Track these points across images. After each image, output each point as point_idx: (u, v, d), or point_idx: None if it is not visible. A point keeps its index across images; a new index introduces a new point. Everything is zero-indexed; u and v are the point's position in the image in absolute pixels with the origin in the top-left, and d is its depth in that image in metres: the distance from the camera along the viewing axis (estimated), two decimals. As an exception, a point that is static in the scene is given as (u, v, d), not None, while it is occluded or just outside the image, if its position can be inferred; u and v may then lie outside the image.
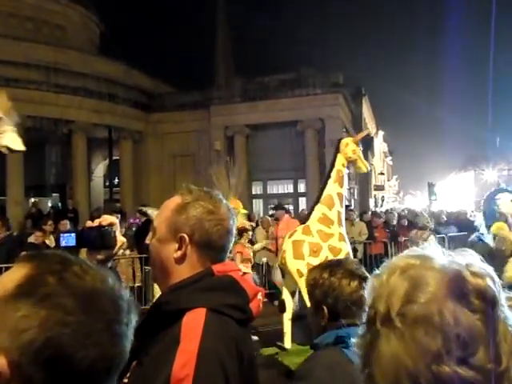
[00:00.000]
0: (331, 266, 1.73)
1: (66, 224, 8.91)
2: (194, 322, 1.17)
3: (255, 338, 5.83)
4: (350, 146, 6.10)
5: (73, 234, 1.54)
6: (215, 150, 17.39)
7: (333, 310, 1.65)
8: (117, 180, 19.21)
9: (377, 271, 0.70)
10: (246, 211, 8.49)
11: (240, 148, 17.74)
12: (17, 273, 0.71)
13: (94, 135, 17.39)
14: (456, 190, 43.60)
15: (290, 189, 18.51)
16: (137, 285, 8.35)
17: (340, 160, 6.12)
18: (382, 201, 29.69)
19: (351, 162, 6.21)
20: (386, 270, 0.69)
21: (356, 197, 21.79)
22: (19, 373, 0.64)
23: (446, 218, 12.55)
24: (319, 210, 6.14)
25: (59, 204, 18.37)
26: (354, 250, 9.27)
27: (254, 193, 18.42)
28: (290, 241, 6.17)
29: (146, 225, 10.44)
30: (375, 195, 28.68)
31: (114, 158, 18.73)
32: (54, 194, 18.78)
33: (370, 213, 12.45)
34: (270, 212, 14.31)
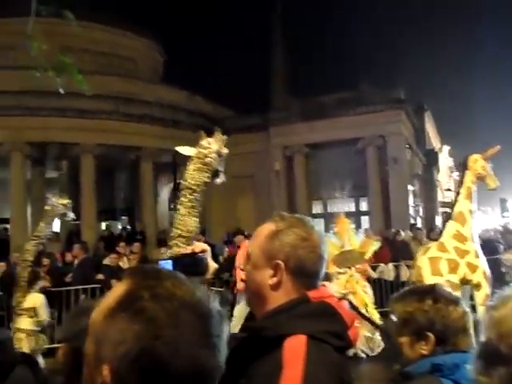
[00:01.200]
0: (430, 293, 1.72)
1: (138, 247, 9.33)
2: (295, 349, 1.18)
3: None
4: (479, 163, 6.08)
5: (169, 261, 1.63)
6: (275, 170, 17.54)
7: (441, 337, 1.63)
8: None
9: (490, 303, 0.68)
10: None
11: (299, 168, 17.78)
12: (119, 289, 0.77)
13: (160, 160, 18.15)
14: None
15: (351, 207, 18.20)
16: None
17: (469, 177, 6.14)
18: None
19: (480, 179, 6.15)
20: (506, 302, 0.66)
21: (422, 214, 21.00)
22: (119, 381, 0.70)
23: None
24: (452, 226, 6.13)
25: (128, 227, 19.23)
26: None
27: (314, 212, 18.29)
28: (425, 257, 6.10)
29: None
30: (442, 212, 27.46)
31: (178, 181, 19.39)
32: (124, 217, 19.70)
33: (437, 230, 11.93)
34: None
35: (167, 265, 1.61)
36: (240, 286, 6.62)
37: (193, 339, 0.73)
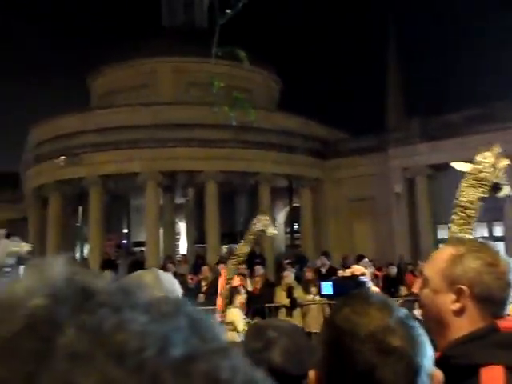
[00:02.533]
0: None
1: (259, 269, 9.59)
2: (493, 381, 1.16)
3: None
4: None
5: (330, 283, 1.65)
6: (395, 193, 16.87)
7: None
8: (296, 226, 20.01)
9: None
10: None
11: (422, 190, 16.87)
12: None
13: (276, 185, 18.59)
14: None
15: (484, 232, 16.68)
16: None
17: None
18: None
19: None
20: None
21: None
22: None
23: None
24: None
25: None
26: None
27: (439, 237, 17.11)
28: None
29: (332, 272, 10.52)
30: None
31: (294, 205, 19.65)
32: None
33: None
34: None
35: (327, 286, 1.62)
36: None
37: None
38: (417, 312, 3.70)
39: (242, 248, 6.43)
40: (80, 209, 18.29)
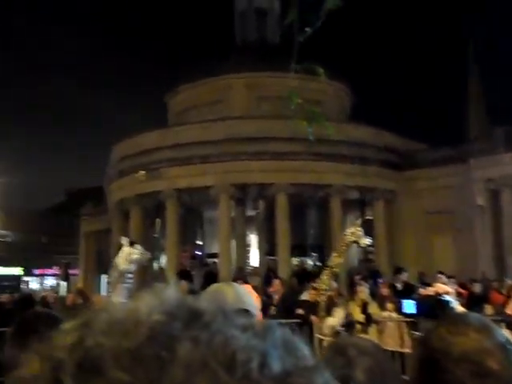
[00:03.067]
0: None
1: (332, 284, 9.43)
2: None
3: None
4: None
5: (412, 302, 1.58)
6: (478, 205, 15.89)
7: None
8: (369, 239, 19.41)
9: None
10: None
11: (508, 202, 15.74)
12: None
13: (347, 197, 18.25)
14: None
15: None
16: (406, 350, 7.98)
17: None
18: None
19: None
20: None
21: None
22: None
23: None
24: None
25: (318, 263, 19.61)
26: None
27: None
28: None
29: (408, 288, 10.09)
30: None
31: (367, 217, 19.13)
32: (314, 254, 20.20)
33: None
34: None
35: (409, 305, 1.55)
36: None
37: None
38: (505, 333, 3.43)
39: (336, 259, 6.36)
40: (157, 221, 19.14)
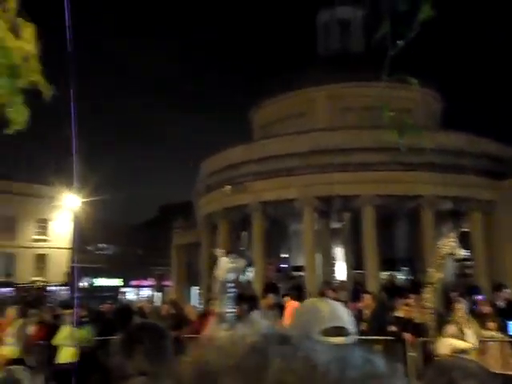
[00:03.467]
0: None
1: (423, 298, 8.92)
2: None
3: None
4: None
5: None
6: None
7: None
8: (466, 253, 18.16)
9: None
10: None
11: None
12: None
13: (439, 208, 17.28)
14: None
15: None
16: (510, 373, 7.28)
17: None
18: None
19: None
20: None
21: None
22: None
23: None
24: None
25: (410, 277, 18.71)
26: None
27: None
28: None
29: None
30: None
31: (462, 229, 17.94)
32: (404, 268, 19.33)
33: None
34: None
35: None
36: None
37: None
38: None
39: (435, 275, 6.05)
40: (244, 234, 19.54)
